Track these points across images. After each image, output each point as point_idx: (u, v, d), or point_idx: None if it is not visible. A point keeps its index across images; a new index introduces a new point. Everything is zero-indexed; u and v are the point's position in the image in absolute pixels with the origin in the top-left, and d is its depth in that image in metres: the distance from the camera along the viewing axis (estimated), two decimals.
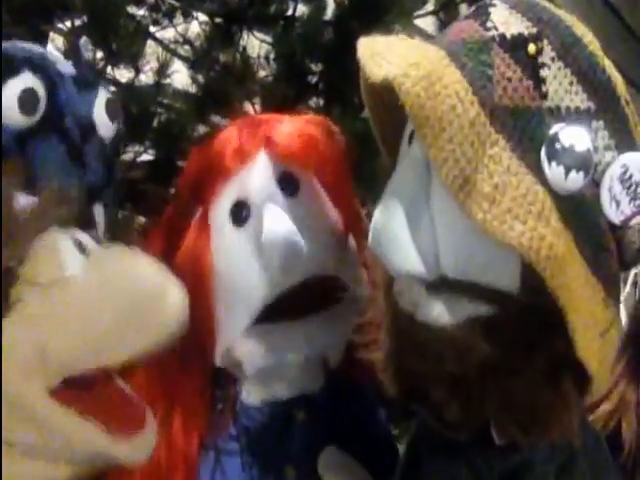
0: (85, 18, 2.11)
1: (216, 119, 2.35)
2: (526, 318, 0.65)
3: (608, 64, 0.67)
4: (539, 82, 0.65)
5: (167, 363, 0.86)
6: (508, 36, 0.65)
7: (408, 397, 0.71)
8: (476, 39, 0.66)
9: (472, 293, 0.65)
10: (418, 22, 2.81)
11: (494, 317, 0.65)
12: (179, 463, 0.86)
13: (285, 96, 2.25)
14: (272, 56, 2.42)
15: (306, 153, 0.85)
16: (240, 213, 0.85)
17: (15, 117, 0.73)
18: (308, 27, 2.32)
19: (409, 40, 0.69)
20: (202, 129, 2.37)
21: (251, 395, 0.88)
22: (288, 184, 0.86)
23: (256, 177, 0.85)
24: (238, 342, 0.86)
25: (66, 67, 0.81)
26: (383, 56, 0.64)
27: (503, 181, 0.61)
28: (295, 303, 0.85)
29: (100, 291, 0.72)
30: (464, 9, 2.77)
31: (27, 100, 0.73)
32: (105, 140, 0.81)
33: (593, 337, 0.64)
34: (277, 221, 0.83)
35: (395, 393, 0.71)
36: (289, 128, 0.86)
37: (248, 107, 2.42)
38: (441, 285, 0.65)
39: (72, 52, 2.00)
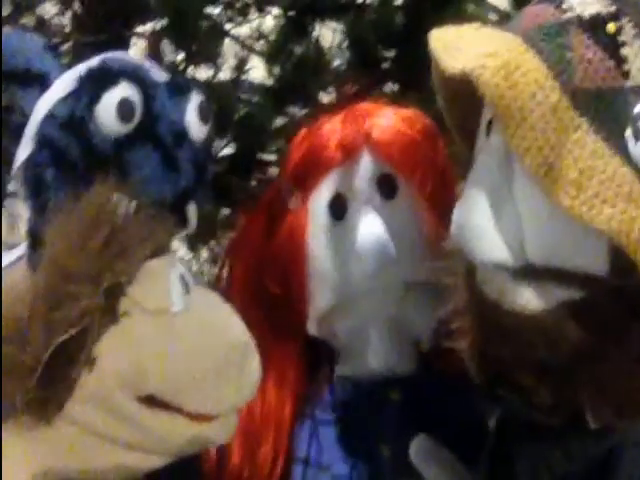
0: (164, 21, 2.19)
1: (294, 110, 2.38)
2: (616, 301, 0.64)
3: None
4: (620, 61, 0.63)
5: (263, 330, 0.88)
6: (586, 16, 0.64)
7: (495, 384, 0.71)
8: (553, 22, 0.65)
9: (560, 279, 0.64)
10: (490, 0, 2.76)
11: (583, 301, 0.64)
12: (271, 427, 0.89)
13: (360, 84, 2.26)
14: (345, 45, 2.43)
15: (407, 156, 0.85)
16: (338, 208, 0.87)
17: (113, 126, 0.76)
18: (379, 13, 2.32)
19: (482, 29, 0.69)
20: (280, 121, 2.41)
21: (347, 367, 0.90)
22: (387, 186, 0.86)
23: (356, 175, 0.86)
24: (327, 315, 0.89)
25: (159, 75, 0.84)
26: (457, 47, 0.64)
27: (589, 165, 0.60)
28: None
29: (199, 337, 0.74)
30: None
31: (125, 109, 0.75)
32: (197, 143, 0.82)
33: None
34: (371, 227, 0.84)
35: (482, 380, 0.71)
36: (392, 126, 0.86)
37: (324, 97, 2.44)
38: (527, 272, 0.64)
39: (154, 55, 2.08)
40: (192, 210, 0.86)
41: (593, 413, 0.66)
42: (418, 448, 0.83)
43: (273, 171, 2.55)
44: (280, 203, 0.90)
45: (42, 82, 0.79)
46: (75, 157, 0.75)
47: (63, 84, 0.79)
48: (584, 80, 0.63)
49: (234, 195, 2.19)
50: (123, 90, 0.76)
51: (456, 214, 0.68)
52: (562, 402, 0.67)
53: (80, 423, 0.71)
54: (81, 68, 0.80)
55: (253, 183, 2.43)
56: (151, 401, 0.72)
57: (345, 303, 0.87)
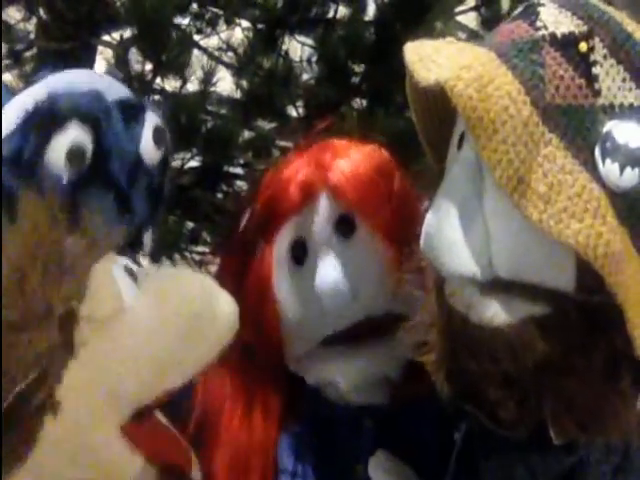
0: (133, 30, 2.16)
1: (262, 124, 2.38)
2: (582, 317, 0.64)
3: None
4: (591, 80, 0.64)
5: (244, 368, 0.91)
6: (559, 35, 0.65)
7: (461, 398, 0.71)
8: (526, 39, 0.65)
9: (526, 293, 0.64)
10: (460, 18, 2.80)
11: (549, 316, 0.65)
12: (259, 459, 0.90)
13: (328, 98, 2.27)
14: (314, 59, 2.44)
15: (363, 195, 0.86)
16: (298, 252, 0.88)
17: (64, 170, 0.74)
18: (349, 28, 2.33)
19: (458, 43, 0.69)
20: (248, 134, 2.40)
21: (325, 392, 0.91)
22: (344, 226, 0.88)
23: (314, 219, 0.87)
24: (298, 363, 0.91)
25: (114, 91, 0.82)
26: (432, 59, 0.64)
27: (558, 180, 0.61)
28: (352, 335, 0.88)
29: (158, 316, 0.72)
30: (505, 4, 2.74)
31: (74, 155, 0.74)
32: (152, 169, 0.82)
33: None
34: (328, 269, 0.85)
35: (448, 394, 0.71)
36: (350, 169, 0.87)
37: (292, 110, 2.44)
38: (495, 286, 0.65)
39: (121, 64, 2.05)
40: (147, 236, 0.85)
41: (556, 428, 0.67)
42: (376, 463, 0.84)
43: (240, 184, 2.54)
44: (247, 252, 0.91)
45: None
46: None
47: (7, 119, 0.76)
48: (555, 97, 0.63)
49: (200, 208, 2.18)
50: (72, 134, 0.75)
51: (426, 225, 0.68)
52: (526, 416, 0.67)
53: (49, 473, 0.66)
54: (27, 101, 0.77)
55: (219, 196, 2.42)
56: (136, 422, 0.69)
57: (316, 355, 0.89)
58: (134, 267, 0.76)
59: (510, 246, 0.64)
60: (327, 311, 0.85)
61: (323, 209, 0.87)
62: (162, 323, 0.72)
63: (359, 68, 2.33)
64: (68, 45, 2.16)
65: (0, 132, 0.76)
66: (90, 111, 0.76)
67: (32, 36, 2.56)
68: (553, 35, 0.65)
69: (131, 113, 0.80)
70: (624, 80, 0.65)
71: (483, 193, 0.65)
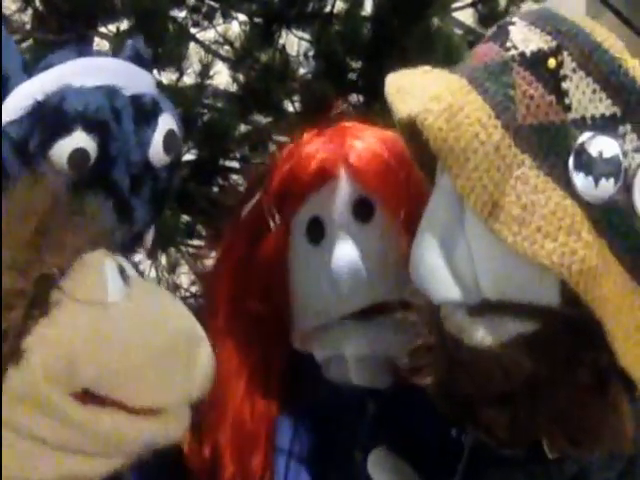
0: (130, 22, 2.15)
1: (258, 118, 2.37)
2: (569, 331, 0.65)
3: (632, 65, 0.66)
4: (561, 95, 0.64)
5: (248, 344, 0.90)
6: (528, 53, 0.65)
7: (460, 418, 0.72)
8: (497, 61, 0.66)
9: (514, 312, 0.65)
10: (457, 15, 2.80)
11: (537, 333, 0.65)
12: (261, 437, 0.90)
13: (325, 93, 2.26)
14: (311, 54, 2.44)
15: (383, 180, 0.86)
16: (315, 231, 0.88)
17: (65, 171, 0.74)
18: (347, 24, 2.33)
19: (432, 72, 0.70)
20: (244, 128, 2.40)
21: (328, 374, 0.91)
22: (363, 209, 0.87)
23: (333, 199, 0.87)
24: (304, 340, 0.91)
25: (133, 85, 0.79)
26: (407, 91, 0.65)
27: (531, 200, 0.61)
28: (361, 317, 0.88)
29: (138, 327, 0.72)
30: (502, 0, 2.75)
31: (77, 159, 0.73)
32: (159, 173, 0.80)
33: (636, 343, 0.64)
34: (345, 251, 0.85)
35: (448, 415, 0.73)
36: (370, 150, 0.87)
37: (288, 105, 2.44)
38: (483, 308, 0.66)
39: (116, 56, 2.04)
40: (148, 235, 0.84)
41: (549, 443, 0.68)
42: (375, 459, 0.84)
43: (236, 178, 2.53)
44: (262, 223, 0.91)
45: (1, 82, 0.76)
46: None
47: (19, 101, 0.75)
48: (526, 117, 0.64)
49: (195, 202, 2.17)
50: (76, 140, 0.74)
51: (412, 254, 0.69)
52: (521, 434, 0.68)
53: (13, 426, 0.66)
54: (38, 90, 0.75)
55: (215, 190, 2.41)
56: (88, 397, 0.69)
57: (324, 328, 0.89)
58: (129, 269, 0.75)
59: (494, 268, 0.65)
60: (340, 293, 0.85)
61: (343, 189, 0.87)
62: (140, 335, 0.71)
63: (356, 64, 2.33)
64: (64, 37, 2.15)
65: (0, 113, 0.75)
66: (99, 115, 0.75)
67: (28, 27, 2.55)
68: (522, 54, 0.66)
69: (144, 114, 0.78)
70: (594, 92, 0.65)
71: (464, 218, 0.66)
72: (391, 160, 0.87)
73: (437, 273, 0.66)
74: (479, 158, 0.61)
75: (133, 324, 0.72)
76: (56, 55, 0.81)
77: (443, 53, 2.09)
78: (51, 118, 0.74)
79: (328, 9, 2.45)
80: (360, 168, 0.86)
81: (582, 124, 0.64)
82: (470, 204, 0.62)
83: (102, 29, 2.41)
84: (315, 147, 0.89)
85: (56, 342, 0.68)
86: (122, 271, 0.74)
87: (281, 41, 2.45)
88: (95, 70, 0.80)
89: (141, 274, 0.87)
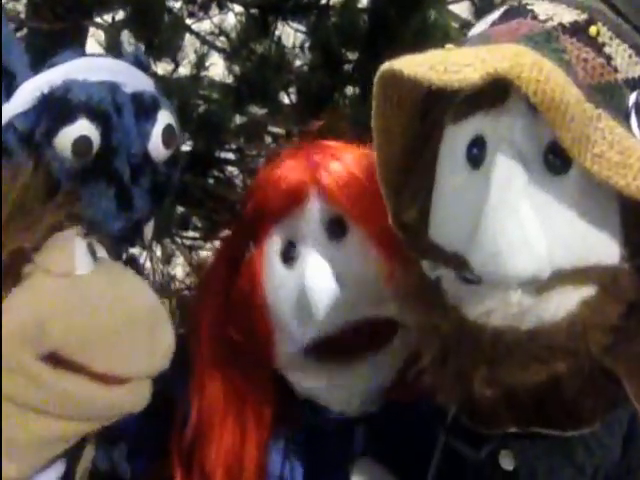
0: (125, 12, 2.15)
1: (254, 109, 2.37)
2: (633, 283, 0.66)
3: None
4: (608, 58, 0.67)
5: (235, 374, 0.91)
6: (566, 24, 0.68)
7: (505, 422, 0.70)
8: (538, 32, 0.67)
9: (578, 278, 0.66)
10: (453, 8, 2.79)
11: (602, 293, 0.66)
12: (253, 463, 0.90)
13: (321, 85, 2.26)
14: (307, 45, 2.43)
15: (355, 198, 0.86)
16: (289, 254, 0.88)
17: (69, 159, 0.76)
18: (343, 15, 2.32)
19: (458, 48, 0.71)
20: (240, 119, 2.39)
21: (317, 399, 0.91)
22: (336, 228, 0.87)
23: (304, 219, 0.87)
24: (288, 368, 0.90)
25: (132, 84, 0.82)
26: (452, 62, 0.64)
27: (624, 147, 0.63)
28: (343, 343, 0.87)
29: (103, 297, 0.75)
30: None
31: (80, 146, 0.76)
32: (159, 166, 0.83)
33: None
34: (316, 271, 0.85)
35: (484, 426, 0.71)
36: (341, 171, 0.87)
37: (284, 97, 2.43)
38: (554, 279, 0.65)
39: (113, 47, 2.04)
40: (148, 228, 0.86)
41: (635, 390, 0.67)
42: (360, 470, 0.85)
43: (231, 170, 2.53)
44: (239, 250, 0.92)
45: (8, 81, 0.78)
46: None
47: (25, 96, 0.78)
48: (586, 77, 0.66)
49: (191, 193, 2.17)
50: (80, 128, 0.76)
51: (483, 239, 0.65)
52: (602, 400, 0.68)
53: None
54: (44, 83, 0.78)
55: (210, 181, 2.41)
56: (56, 360, 0.72)
57: (301, 369, 0.89)
58: (100, 251, 0.79)
59: (567, 235, 0.65)
60: (314, 312, 0.84)
61: (314, 210, 0.87)
62: (105, 305, 0.75)
63: (352, 56, 2.32)
64: (59, 26, 2.14)
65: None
66: (101, 106, 0.78)
67: (22, 16, 2.54)
68: (562, 24, 0.68)
69: (144, 109, 0.81)
70: (630, 56, 0.69)
71: (532, 189, 0.65)
72: (364, 178, 0.86)
73: (520, 246, 0.64)
74: (572, 110, 0.62)
75: (99, 294, 0.75)
76: (60, 56, 0.84)
77: (440, 45, 2.09)
78: (57, 107, 0.77)
79: (324, 1, 2.45)
80: (331, 187, 0.86)
81: (631, 84, 0.67)
82: (574, 155, 0.62)
83: (97, 19, 2.40)
84: (286, 169, 0.89)
85: (26, 307, 0.72)
86: (91, 249, 0.77)
87: (277, 32, 2.44)
88: (98, 68, 0.83)
89: (139, 266, 0.88)
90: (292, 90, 2.42)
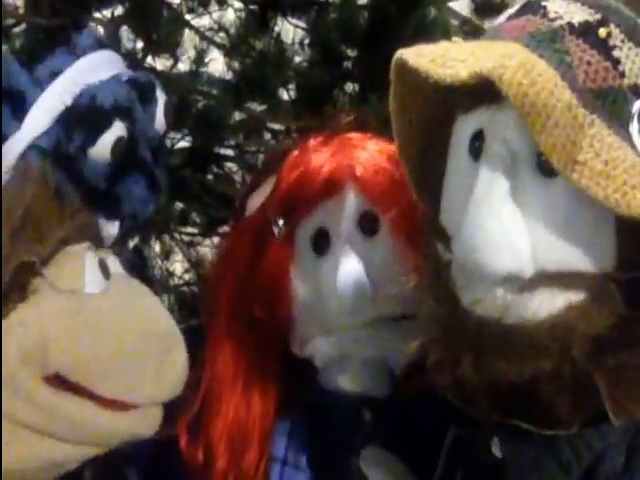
0: (124, 7, 2.14)
1: (253, 105, 2.36)
2: (625, 294, 0.65)
3: None
4: (615, 62, 0.66)
5: (247, 346, 0.91)
6: (575, 23, 0.66)
7: (492, 410, 0.70)
8: (544, 30, 0.66)
9: (566, 281, 0.65)
10: (453, 5, 2.79)
11: (589, 298, 0.65)
12: (256, 435, 0.91)
13: (320, 82, 2.26)
14: (307, 42, 2.43)
15: (388, 194, 0.86)
16: (321, 242, 0.89)
17: (106, 163, 0.77)
18: (343, 12, 2.31)
19: (465, 42, 0.70)
20: (239, 116, 2.39)
21: (325, 380, 0.91)
22: (368, 223, 0.88)
23: (339, 211, 0.88)
24: (309, 338, 0.90)
25: (124, 71, 0.82)
26: (451, 57, 0.64)
27: (611, 157, 0.62)
28: None
29: (112, 319, 0.73)
30: None
31: (118, 148, 0.77)
32: (161, 140, 0.85)
33: None
34: (350, 266, 0.85)
35: (475, 410, 0.71)
36: (376, 164, 0.87)
37: (283, 93, 2.43)
38: (538, 280, 0.65)
39: (112, 42, 2.03)
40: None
41: (615, 408, 0.66)
42: (368, 457, 0.84)
43: (230, 166, 2.53)
44: (266, 231, 0.91)
45: (16, 101, 0.77)
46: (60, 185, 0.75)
47: (44, 113, 0.77)
48: (586, 81, 0.65)
49: (189, 189, 2.17)
50: (117, 130, 0.77)
51: (464, 230, 0.66)
52: (579, 406, 0.68)
53: None
54: (62, 95, 0.78)
55: (209, 177, 2.41)
56: (59, 382, 0.70)
57: (325, 335, 0.89)
58: (113, 267, 0.77)
59: (554, 237, 0.65)
60: (343, 306, 0.85)
61: (349, 202, 0.87)
62: (113, 328, 0.72)
63: (352, 52, 2.32)
64: (57, 21, 2.14)
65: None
66: (126, 103, 0.79)
67: (21, 11, 2.53)
68: (570, 24, 0.66)
69: (146, 93, 0.82)
70: None
71: (521, 188, 0.65)
72: (397, 174, 0.86)
73: (498, 242, 0.64)
74: (557, 115, 0.60)
75: (107, 316, 0.72)
76: (53, 58, 0.83)
77: (439, 42, 2.09)
78: (90, 117, 0.77)
79: None
80: (367, 181, 0.86)
81: (636, 90, 0.66)
82: (553, 162, 0.61)
83: (96, 14, 2.40)
84: (323, 158, 0.89)
85: (29, 326, 0.69)
86: (103, 265, 0.75)
87: (277, 29, 2.43)
88: (97, 65, 0.83)
89: (144, 257, 0.89)
90: (291, 86, 2.41)
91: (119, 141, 0.77)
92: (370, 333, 0.87)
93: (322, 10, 2.39)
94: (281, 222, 0.90)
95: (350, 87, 2.34)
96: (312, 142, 0.92)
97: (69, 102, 0.77)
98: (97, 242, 0.77)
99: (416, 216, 0.85)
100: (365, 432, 0.89)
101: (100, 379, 0.71)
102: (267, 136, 2.51)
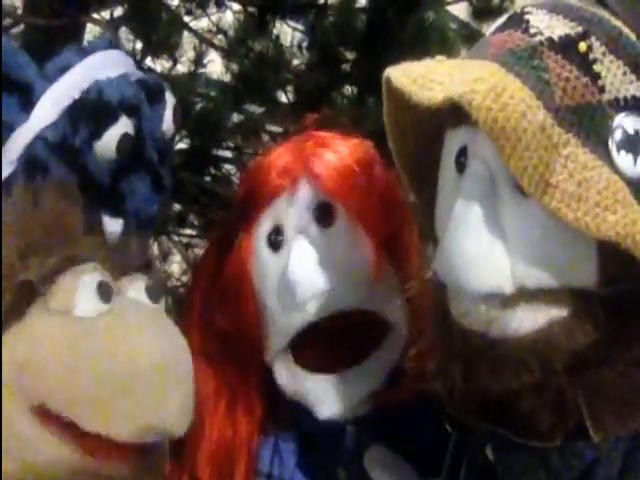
0: (123, 9, 2.14)
1: (251, 107, 2.37)
2: (610, 308, 0.65)
3: None
4: (595, 77, 0.65)
5: (225, 364, 0.90)
6: (555, 38, 0.66)
7: (480, 417, 0.71)
8: (524, 46, 0.66)
9: (548, 297, 0.65)
10: (451, 9, 2.80)
11: (572, 315, 0.65)
12: (243, 457, 0.90)
13: (318, 84, 2.26)
14: (305, 44, 2.43)
15: (344, 185, 0.85)
16: (276, 239, 0.87)
17: (112, 159, 0.77)
18: (341, 15, 2.32)
19: (449, 60, 0.70)
20: (237, 118, 2.39)
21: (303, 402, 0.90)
22: (324, 214, 0.86)
23: (293, 205, 0.87)
24: (276, 365, 0.89)
25: (134, 72, 0.82)
26: (430, 79, 0.64)
27: (584, 177, 0.61)
28: (330, 334, 0.86)
29: (102, 346, 0.69)
30: None
31: (123, 144, 0.77)
32: (169, 142, 0.85)
33: None
34: (301, 257, 0.84)
35: (467, 417, 0.72)
36: (332, 158, 0.87)
37: (281, 95, 2.43)
38: (517, 296, 0.65)
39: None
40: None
41: (595, 424, 0.67)
42: (372, 456, 0.84)
43: (228, 168, 2.53)
44: (229, 237, 0.91)
45: (24, 92, 0.78)
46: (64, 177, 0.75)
47: (51, 106, 0.77)
48: (564, 98, 0.64)
49: (187, 191, 2.17)
50: (123, 126, 0.76)
51: (444, 247, 0.67)
52: (564, 419, 0.67)
53: None
54: (70, 89, 0.78)
55: (207, 179, 2.41)
56: (48, 416, 0.67)
57: (283, 360, 0.88)
58: (118, 290, 0.74)
59: (532, 255, 0.65)
60: (298, 300, 0.83)
61: (302, 196, 0.86)
62: (95, 358, 0.68)
63: (350, 55, 2.32)
64: (56, 22, 2.14)
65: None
66: (134, 100, 0.79)
67: (19, 12, 2.53)
68: (550, 39, 0.66)
69: (154, 94, 0.82)
70: (625, 74, 0.66)
71: (499, 205, 0.66)
72: (353, 165, 0.86)
73: (475, 262, 0.64)
74: (529, 137, 0.60)
75: (99, 342, 0.69)
76: (61, 56, 0.84)
77: (437, 46, 2.09)
78: (97, 110, 0.77)
79: (322, 0, 2.45)
80: (321, 173, 0.85)
81: (617, 105, 0.65)
82: (524, 185, 0.61)
83: (95, 16, 2.40)
84: (277, 155, 0.89)
85: (22, 347, 0.68)
86: (104, 287, 0.72)
87: (275, 31, 2.44)
88: (106, 63, 0.83)
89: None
90: (289, 89, 2.42)
91: (125, 137, 0.76)
92: (337, 387, 0.85)
93: (320, 13, 2.39)
94: (240, 223, 0.89)
95: (348, 90, 2.34)
96: (275, 145, 0.93)
97: (77, 96, 0.77)
98: (122, 267, 0.75)
99: (374, 206, 0.85)
100: (350, 443, 0.88)
101: (84, 411, 0.67)
102: (265, 138, 2.51)
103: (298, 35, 2.49)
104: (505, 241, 0.65)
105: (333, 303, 0.85)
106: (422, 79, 0.65)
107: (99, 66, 0.80)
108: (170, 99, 0.83)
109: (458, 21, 2.88)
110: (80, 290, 0.70)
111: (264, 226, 0.88)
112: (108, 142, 0.76)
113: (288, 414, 0.91)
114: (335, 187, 0.85)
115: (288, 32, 2.52)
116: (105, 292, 0.72)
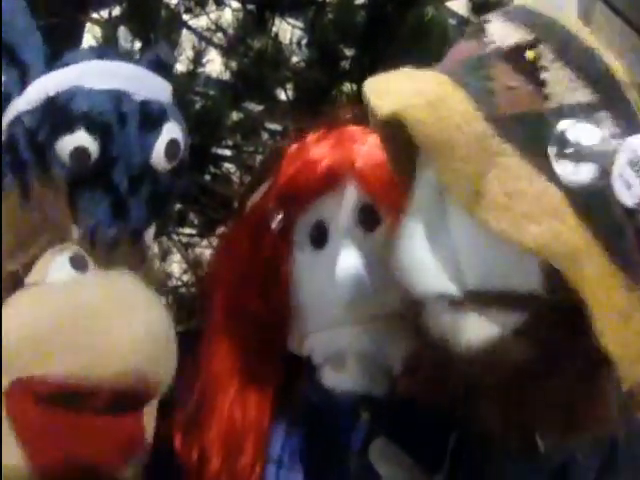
0: (122, 8, 2.14)
1: (251, 106, 2.36)
2: (559, 318, 0.66)
3: (605, 53, 0.68)
4: (540, 85, 0.66)
5: (244, 346, 0.91)
6: (505, 47, 0.68)
7: (454, 410, 0.72)
8: (475, 56, 0.68)
9: (500, 302, 0.66)
10: (450, 5, 2.79)
11: (525, 323, 0.66)
12: (251, 437, 0.91)
13: (318, 82, 2.26)
14: (305, 42, 2.43)
15: (388, 188, 0.86)
16: (319, 236, 0.88)
17: (66, 165, 0.78)
18: (341, 12, 2.31)
19: (411, 71, 0.71)
20: (236, 116, 2.39)
21: (322, 379, 0.91)
22: (368, 217, 0.88)
23: (339, 204, 0.87)
24: (307, 334, 0.91)
25: (144, 91, 0.82)
26: (385, 91, 0.66)
27: (515, 188, 0.63)
28: None
29: (58, 298, 0.72)
30: None
31: (77, 157, 0.77)
32: (162, 178, 0.84)
33: (616, 324, 0.64)
34: (349, 260, 0.85)
35: (439, 412, 0.73)
36: (376, 157, 0.87)
37: (281, 93, 2.43)
38: (469, 299, 0.66)
39: (109, 42, 2.03)
40: (148, 235, 0.86)
41: (541, 432, 0.69)
42: (377, 450, 0.85)
43: (228, 167, 2.53)
44: (264, 222, 0.91)
45: (22, 71, 0.80)
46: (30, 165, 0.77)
47: (34, 93, 0.79)
48: (507, 107, 0.65)
49: (187, 190, 2.16)
50: (79, 139, 0.77)
51: (395, 248, 0.70)
52: (513, 424, 0.68)
53: None
54: (53, 83, 0.80)
55: (207, 178, 2.41)
56: (39, 397, 0.69)
57: (324, 330, 0.89)
58: (92, 262, 0.76)
59: (478, 257, 0.66)
60: (343, 301, 0.85)
61: (348, 196, 0.87)
62: (45, 306, 0.71)
63: (350, 52, 2.32)
64: (55, 21, 2.13)
65: None
66: (102, 117, 0.79)
67: None
68: (500, 49, 0.68)
69: (150, 120, 0.82)
70: (572, 80, 0.67)
71: (447, 210, 0.67)
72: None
73: (421, 265, 0.67)
74: (462, 149, 0.62)
75: (54, 296, 0.72)
76: (76, 53, 0.85)
77: (437, 42, 2.09)
78: (58, 114, 0.78)
79: None
80: (367, 175, 0.86)
81: (561, 112, 0.66)
82: (455, 196, 0.63)
83: (94, 15, 2.39)
84: (322, 151, 0.89)
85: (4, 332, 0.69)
86: (79, 260, 0.75)
87: (274, 29, 2.43)
88: (109, 73, 0.84)
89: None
90: (289, 86, 2.41)
91: (79, 151, 0.77)
92: (368, 329, 0.87)
93: (320, 10, 2.39)
94: (279, 216, 0.89)
95: (348, 87, 2.34)
96: (311, 136, 0.92)
97: (51, 94, 0.79)
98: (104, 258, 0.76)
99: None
100: (363, 432, 0.89)
101: (48, 359, 0.69)
102: (265, 136, 2.51)
103: (297, 32, 2.48)
104: (451, 245, 0.66)
105: (376, 307, 0.86)
106: (380, 91, 0.67)
107: (95, 73, 0.82)
108: (170, 132, 0.82)
109: (457, 17, 2.87)
110: (53, 264, 0.73)
111: (306, 221, 0.89)
112: (62, 149, 0.77)
113: (302, 402, 0.92)
114: (380, 190, 0.87)
115: (287, 29, 2.52)
116: (79, 263, 0.74)
